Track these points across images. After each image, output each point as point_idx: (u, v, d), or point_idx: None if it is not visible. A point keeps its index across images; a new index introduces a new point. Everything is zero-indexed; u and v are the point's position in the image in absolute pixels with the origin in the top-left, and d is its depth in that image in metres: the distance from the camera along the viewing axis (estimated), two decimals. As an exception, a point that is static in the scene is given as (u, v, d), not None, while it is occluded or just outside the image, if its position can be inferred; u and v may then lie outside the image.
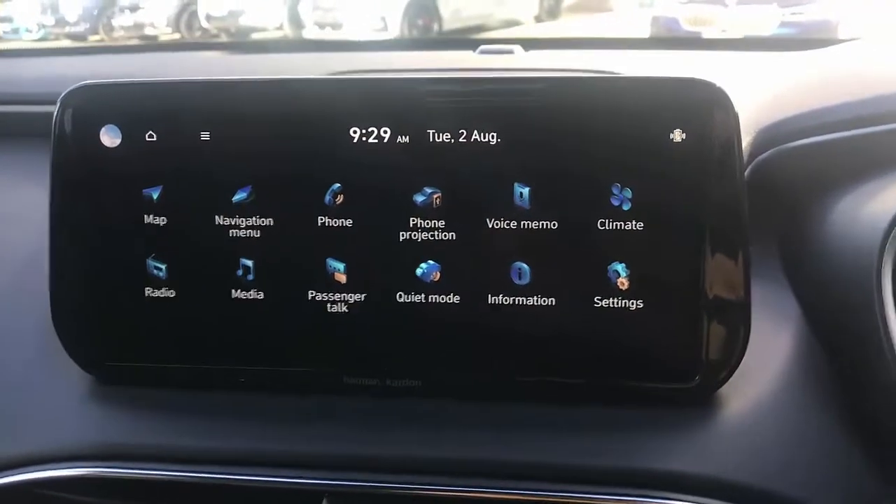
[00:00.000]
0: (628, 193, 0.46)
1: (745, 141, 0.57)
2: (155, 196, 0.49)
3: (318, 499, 0.46)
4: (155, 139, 0.48)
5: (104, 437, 0.48)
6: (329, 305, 0.48)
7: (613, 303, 0.47)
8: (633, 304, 0.46)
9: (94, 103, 0.49)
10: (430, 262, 0.48)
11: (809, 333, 0.52)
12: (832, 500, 0.44)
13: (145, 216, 0.49)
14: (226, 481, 0.46)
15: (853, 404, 0.48)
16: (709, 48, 0.98)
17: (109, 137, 0.49)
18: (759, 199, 0.55)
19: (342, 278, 0.48)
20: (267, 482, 0.46)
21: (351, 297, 0.48)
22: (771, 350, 0.50)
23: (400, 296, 0.48)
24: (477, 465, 0.45)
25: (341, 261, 0.48)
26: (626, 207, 0.46)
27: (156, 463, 0.47)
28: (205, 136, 0.48)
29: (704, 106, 0.45)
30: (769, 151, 0.58)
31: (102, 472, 0.47)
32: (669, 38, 1.40)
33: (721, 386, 0.47)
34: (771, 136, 0.59)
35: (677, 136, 0.45)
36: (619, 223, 0.46)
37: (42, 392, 0.51)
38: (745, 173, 0.57)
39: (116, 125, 0.49)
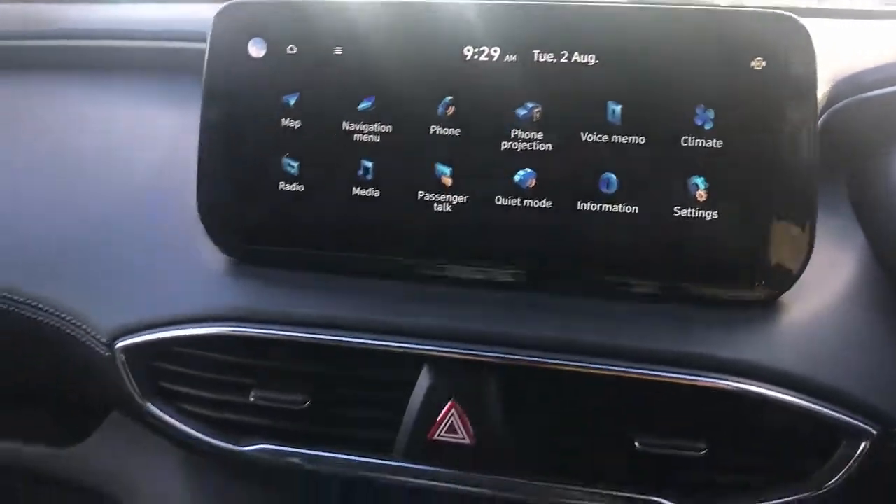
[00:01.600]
0: (710, 114, 0.51)
1: (823, 90, 0.62)
2: (292, 102, 0.56)
3: (420, 365, 0.53)
4: (295, 52, 0.56)
5: (237, 303, 0.56)
6: (435, 205, 0.55)
7: (691, 213, 0.52)
8: (708, 214, 0.52)
9: (243, 19, 0.56)
10: (528, 169, 0.54)
11: (873, 261, 0.56)
12: (888, 399, 0.49)
13: (282, 119, 0.56)
14: (339, 343, 0.53)
15: None
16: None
17: (256, 49, 0.56)
18: (833, 145, 0.60)
19: (448, 181, 0.55)
20: (375, 345, 0.53)
21: (455, 198, 0.55)
22: (834, 270, 0.55)
23: (498, 199, 0.54)
24: (563, 343, 0.51)
25: (448, 165, 0.55)
26: (707, 127, 0.51)
27: (280, 325, 0.54)
28: (338, 50, 0.55)
29: (784, 37, 0.50)
30: (844, 101, 0.62)
31: (235, 331, 0.55)
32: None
33: (784, 293, 0.52)
34: (846, 86, 0.63)
35: (758, 63, 0.51)
36: (700, 140, 0.51)
37: (186, 269, 0.59)
38: (821, 120, 0.61)
39: (262, 38, 0.56)
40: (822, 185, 0.52)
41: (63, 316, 0.60)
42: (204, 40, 0.57)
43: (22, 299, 0.60)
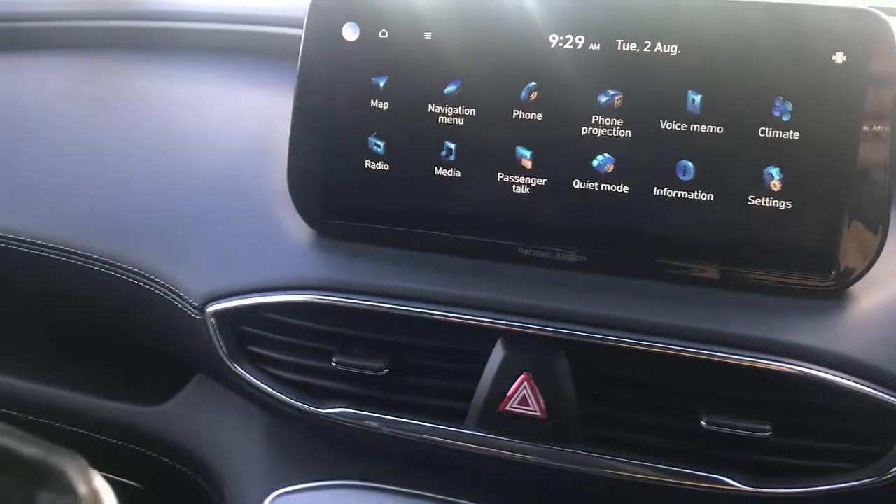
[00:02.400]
0: (789, 106, 0.53)
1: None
2: (381, 84, 0.59)
3: (495, 339, 0.55)
4: (386, 36, 0.58)
5: (324, 273, 0.59)
6: (514, 186, 0.57)
7: (765, 202, 0.53)
8: (782, 204, 0.53)
9: (339, 4, 0.59)
10: (606, 154, 0.56)
11: None
12: None
13: (371, 101, 0.59)
14: (418, 314, 0.56)
15: None
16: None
17: (350, 32, 0.59)
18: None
19: (528, 164, 0.57)
20: (453, 318, 0.55)
21: (534, 180, 0.57)
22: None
23: (576, 182, 0.56)
24: (635, 324, 0.53)
25: (529, 149, 0.57)
26: (785, 118, 0.53)
27: (364, 296, 0.57)
28: (427, 35, 0.58)
29: (866, 33, 0.51)
30: None
31: (322, 299, 0.58)
32: None
33: (853, 283, 0.53)
34: None
35: (839, 58, 0.52)
36: (777, 131, 0.53)
37: (273, 241, 0.62)
38: None
39: (356, 23, 0.59)
40: (897, 178, 0.53)
41: (158, 281, 0.63)
42: (299, 26, 0.60)
43: (122, 264, 0.64)
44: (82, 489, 0.23)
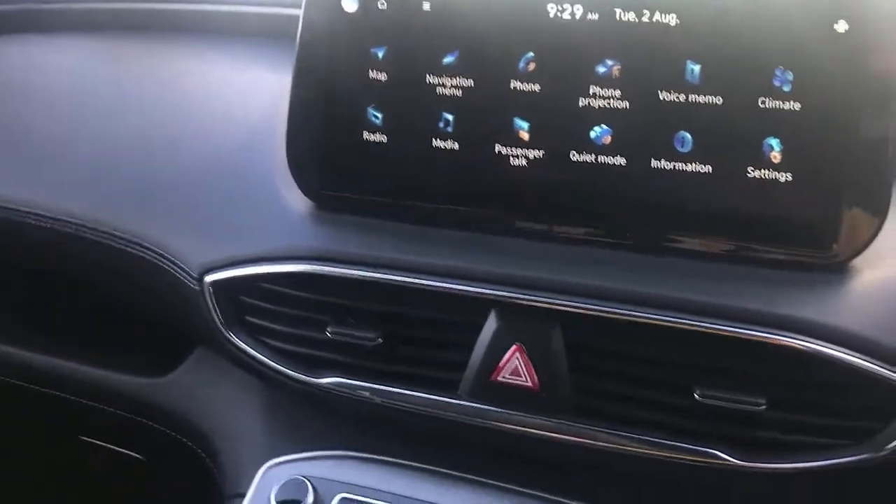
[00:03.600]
0: (789, 76, 0.52)
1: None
2: (380, 55, 0.59)
3: (488, 310, 0.55)
4: (385, 7, 0.58)
5: (319, 244, 0.59)
6: (511, 159, 0.57)
7: (765, 174, 0.53)
8: (782, 176, 0.52)
9: (338, -25, 0.59)
10: (604, 126, 0.55)
11: None
12: None
13: (370, 71, 0.59)
14: (412, 285, 0.56)
15: None
16: None
17: (349, 3, 0.59)
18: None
19: (525, 136, 0.57)
20: (446, 289, 0.55)
21: (531, 152, 0.56)
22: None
23: (573, 154, 0.56)
24: (629, 295, 0.53)
25: (526, 120, 0.56)
26: (786, 88, 0.52)
27: (358, 266, 0.57)
28: (426, 6, 0.58)
29: (868, 1, 0.50)
30: None
31: (317, 269, 0.58)
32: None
33: (855, 257, 0.52)
34: None
35: (841, 26, 0.51)
36: (778, 102, 0.52)
37: (271, 213, 0.63)
38: None
39: (355, -7, 0.59)
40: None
41: (157, 251, 0.64)
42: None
43: (122, 234, 0.65)
44: None
